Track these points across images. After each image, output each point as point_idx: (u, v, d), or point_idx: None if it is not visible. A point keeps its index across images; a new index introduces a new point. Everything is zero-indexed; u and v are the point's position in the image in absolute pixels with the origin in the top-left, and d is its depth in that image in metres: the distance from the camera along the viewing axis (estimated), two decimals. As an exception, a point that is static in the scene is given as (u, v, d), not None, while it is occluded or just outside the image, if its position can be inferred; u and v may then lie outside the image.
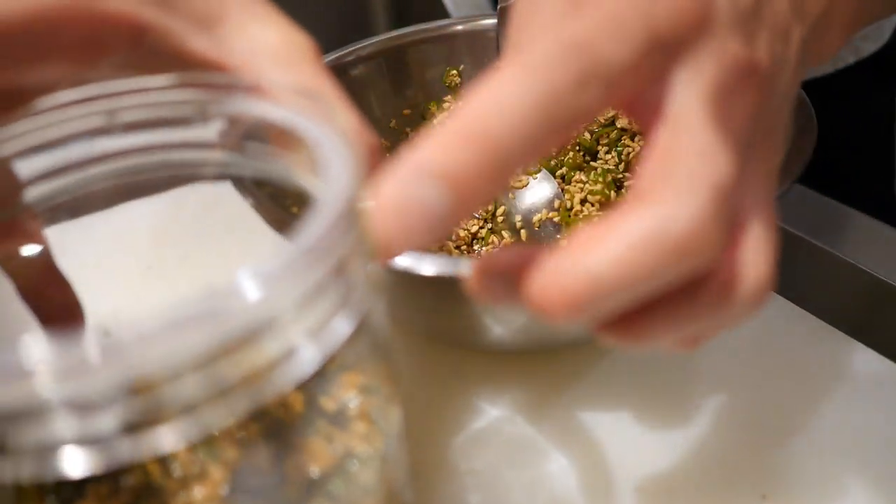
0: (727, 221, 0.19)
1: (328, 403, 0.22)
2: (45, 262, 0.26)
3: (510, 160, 0.18)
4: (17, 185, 0.23)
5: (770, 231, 0.20)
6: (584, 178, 0.43)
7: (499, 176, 0.18)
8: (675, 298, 0.19)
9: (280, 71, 0.23)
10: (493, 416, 0.36)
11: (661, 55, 0.19)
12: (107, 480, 0.21)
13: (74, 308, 0.26)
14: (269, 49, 0.23)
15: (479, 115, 0.17)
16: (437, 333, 0.38)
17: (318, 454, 0.21)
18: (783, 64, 0.21)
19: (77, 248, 0.27)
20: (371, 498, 0.22)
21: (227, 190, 0.31)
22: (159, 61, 0.23)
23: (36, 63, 0.22)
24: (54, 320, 0.26)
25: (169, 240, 0.31)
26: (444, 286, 0.33)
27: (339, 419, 0.22)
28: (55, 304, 0.26)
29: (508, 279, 0.19)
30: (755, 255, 0.20)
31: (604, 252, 0.18)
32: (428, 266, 0.31)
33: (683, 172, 0.18)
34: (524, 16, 0.20)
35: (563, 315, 0.18)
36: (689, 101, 0.19)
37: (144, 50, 0.23)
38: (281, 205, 0.33)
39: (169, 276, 0.29)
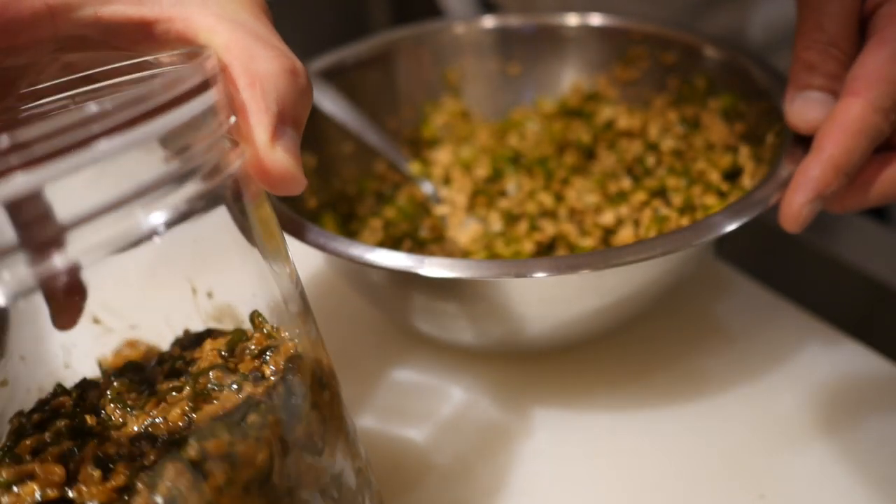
0: None
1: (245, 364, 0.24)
2: None
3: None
4: None
5: None
6: (580, 182, 0.43)
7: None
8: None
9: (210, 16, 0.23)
10: (492, 416, 0.36)
11: None
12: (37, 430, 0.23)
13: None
14: None
15: None
16: (429, 333, 0.38)
17: (225, 399, 0.23)
18: None
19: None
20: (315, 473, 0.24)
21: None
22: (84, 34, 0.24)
23: None
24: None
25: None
26: (445, 286, 0.33)
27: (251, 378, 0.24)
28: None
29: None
30: None
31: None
32: (427, 266, 0.31)
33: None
34: None
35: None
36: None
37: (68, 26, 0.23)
38: None
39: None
